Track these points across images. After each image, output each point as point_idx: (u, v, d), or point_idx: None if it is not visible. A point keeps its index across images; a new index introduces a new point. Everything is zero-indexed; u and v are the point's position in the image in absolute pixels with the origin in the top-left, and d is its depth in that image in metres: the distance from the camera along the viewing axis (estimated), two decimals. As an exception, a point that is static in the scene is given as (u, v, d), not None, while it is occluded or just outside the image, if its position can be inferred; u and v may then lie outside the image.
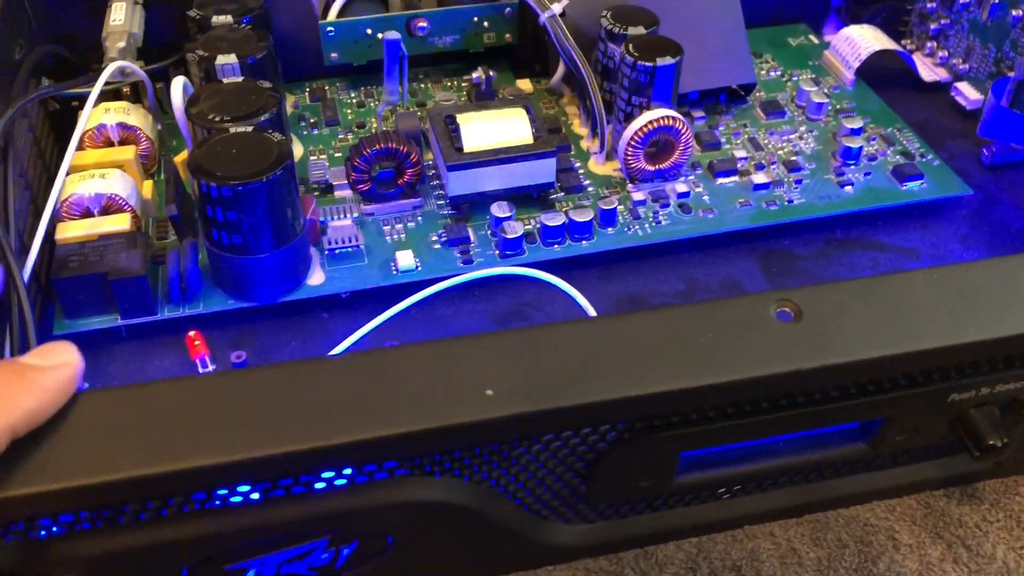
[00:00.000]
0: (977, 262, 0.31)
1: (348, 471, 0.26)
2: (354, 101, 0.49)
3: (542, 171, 0.41)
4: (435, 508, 0.27)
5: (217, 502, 0.26)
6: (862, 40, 0.50)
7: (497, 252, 0.40)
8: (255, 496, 0.26)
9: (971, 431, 0.30)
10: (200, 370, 0.33)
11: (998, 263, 0.30)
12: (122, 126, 0.42)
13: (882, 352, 0.26)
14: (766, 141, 0.47)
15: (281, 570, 0.27)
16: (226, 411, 0.25)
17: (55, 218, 0.37)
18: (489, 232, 0.41)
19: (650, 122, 0.41)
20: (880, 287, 0.28)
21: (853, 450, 0.31)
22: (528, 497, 0.29)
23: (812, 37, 0.55)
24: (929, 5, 0.53)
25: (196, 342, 0.33)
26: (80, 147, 0.40)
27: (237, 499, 0.26)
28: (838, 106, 0.49)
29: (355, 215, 0.41)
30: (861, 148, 0.45)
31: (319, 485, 0.26)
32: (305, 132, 0.47)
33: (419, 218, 0.42)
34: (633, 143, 0.42)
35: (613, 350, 0.26)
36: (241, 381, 0.25)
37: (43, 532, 0.25)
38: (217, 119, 0.37)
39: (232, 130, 0.36)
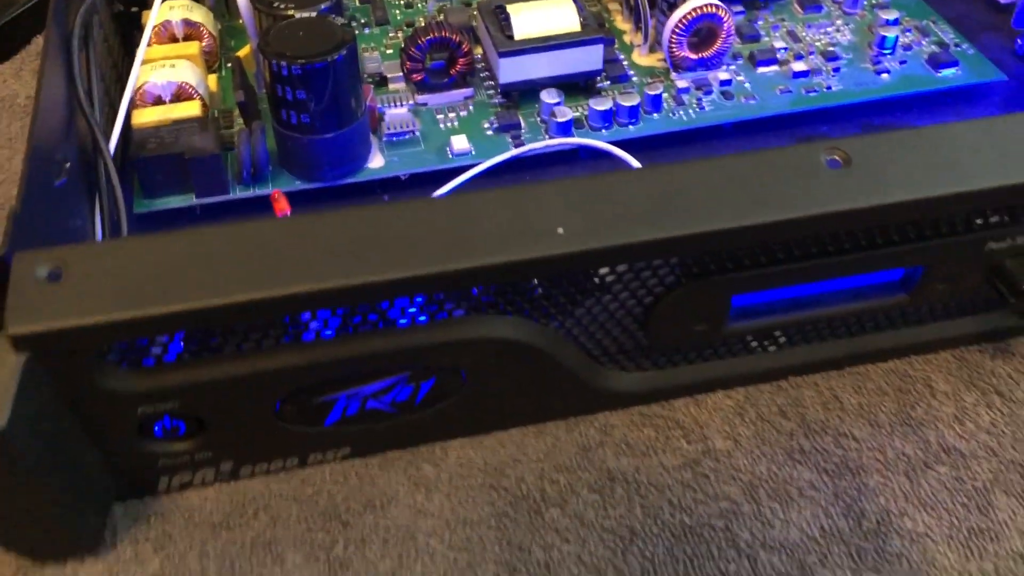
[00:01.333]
0: (1022, 113, 0.32)
1: (428, 309, 0.28)
2: (402, 2, 0.50)
3: (590, 58, 0.43)
4: (506, 346, 0.30)
5: (310, 336, 0.28)
6: (898, -65, 0.51)
7: (548, 137, 0.42)
8: (343, 332, 0.28)
9: (1006, 279, 0.32)
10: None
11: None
12: (186, 22, 0.44)
13: (928, 193, 0.28)
14: (804, 34, 0.48)
15: (366, 404, 0.30)
16: (317, 246, 0.27)
17: (130, 106, 0.39)
18: (539, 119, 0.43)
19: (694, 9, 0.42)
20: (926, 136, 0.30)
21: (894, 300, 0.33)
22: (590, 342, 0.31)
23: (847, -64, 0.55)
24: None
25: (279, 201, 0.35)
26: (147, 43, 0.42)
27: (328, 334, 0.28)
28: (874, 1, 0.50)
29: (410, 102, 0.43)
30: (897, 38, 0.46)
31: (402, 322, 0.29)
32: (357, 32, 0.48)
33: (471, 107, 0.44)
34: (677, 30, 0.43)
35: (672, 193, 0.28)
36: (329, 221, 0.27)
37: (151, 360, 0.28)
38: (282, 6, 0.39)
39: (297, 16, 0.38)
